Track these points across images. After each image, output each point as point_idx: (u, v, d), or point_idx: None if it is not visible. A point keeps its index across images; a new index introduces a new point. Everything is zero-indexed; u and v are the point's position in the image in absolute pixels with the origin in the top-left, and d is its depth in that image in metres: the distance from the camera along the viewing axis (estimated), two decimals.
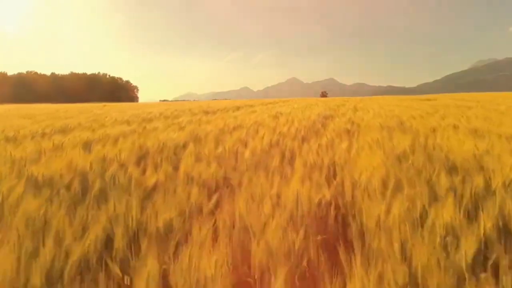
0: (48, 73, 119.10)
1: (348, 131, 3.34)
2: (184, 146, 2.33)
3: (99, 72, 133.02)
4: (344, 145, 2.43)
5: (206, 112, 6.72)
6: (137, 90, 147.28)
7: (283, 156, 2.04)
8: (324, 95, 78.69)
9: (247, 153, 1.90)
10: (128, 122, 4.34)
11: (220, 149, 2.04)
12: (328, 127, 3.77)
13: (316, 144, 2.43)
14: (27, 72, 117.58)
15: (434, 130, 2.79)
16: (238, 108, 8.44)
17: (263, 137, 2.68)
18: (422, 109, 5.99)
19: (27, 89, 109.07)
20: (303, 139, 2.88)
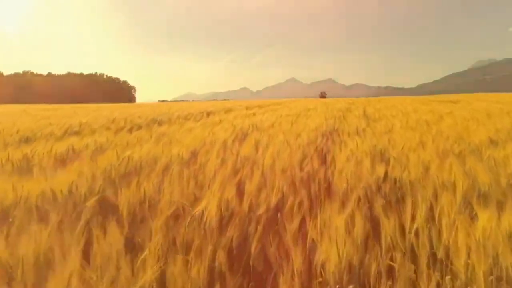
0: (45, 73, 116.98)
1: (390, 195, 1.28)
2: None
3: (96, 72, 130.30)
4: None
5: (152, 122, 4.66)
6: (135, 90, 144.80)
7: None
8: (323, 95, 75.93)
9: None
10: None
11: None
12: (335, 170, 1.70)
13: None
14: (23, 72, 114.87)
15: None
16: (208, 115, 6.25)
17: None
18: (480, 120, 3.88)
19: (24, 89, 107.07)
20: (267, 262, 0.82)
